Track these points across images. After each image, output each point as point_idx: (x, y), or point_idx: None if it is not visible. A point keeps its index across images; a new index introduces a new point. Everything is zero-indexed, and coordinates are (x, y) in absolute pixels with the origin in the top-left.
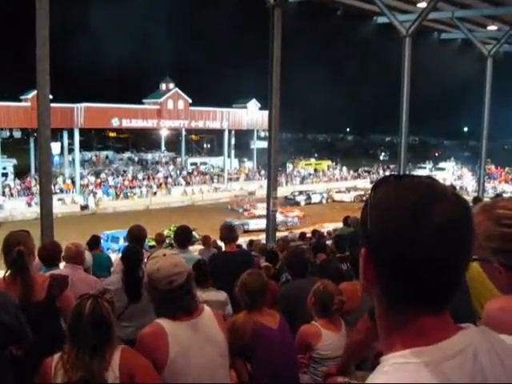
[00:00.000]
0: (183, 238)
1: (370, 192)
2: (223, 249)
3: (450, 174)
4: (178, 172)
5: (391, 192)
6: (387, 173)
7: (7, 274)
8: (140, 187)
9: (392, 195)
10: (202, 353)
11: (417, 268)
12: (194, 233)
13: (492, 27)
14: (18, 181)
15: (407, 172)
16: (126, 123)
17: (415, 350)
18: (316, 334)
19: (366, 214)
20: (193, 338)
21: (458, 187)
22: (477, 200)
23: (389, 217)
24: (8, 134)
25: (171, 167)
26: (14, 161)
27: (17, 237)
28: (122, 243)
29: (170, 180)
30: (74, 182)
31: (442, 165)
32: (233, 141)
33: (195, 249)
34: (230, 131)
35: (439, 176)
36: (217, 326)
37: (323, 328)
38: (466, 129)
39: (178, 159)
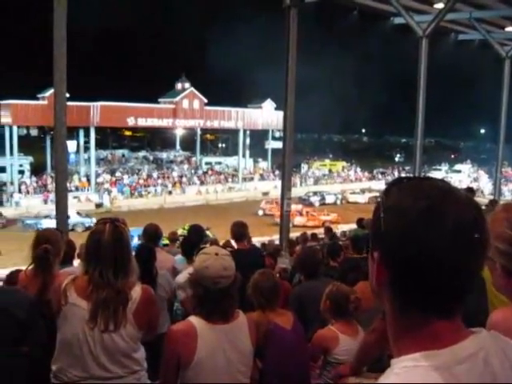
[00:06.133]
0: (196, 237)
1: (381, 194)
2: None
3: (466, 176)
4: (193, 171)
5: (405, 195)
6: (402, 175)
7: (29, 269)
8: (155, 186)
9: (406, 198)
10: (226, 358)
11: (430, 271)
12: (207, 232)
13: (510, 28)
14: (34, 178)
15: (422, 174)
16: (141, 122)
17: (426, 354)
18: (333, 339)
19: (378, 216)
20: (221, 343)
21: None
22: (493, 202)
23: (403, 220)
24: (25, 131)
25: (186, 166)
26: (31, 158)
27: (47, 235)
28: (137, 241)
29: (184, 179)
30: (89, 180)
31: (458, 167)
32: (248, 141)
33: None
34: (244, 131)
35: (455, 178)
36: (247, 335)
37: (340, 332)
38: (482, 131)
39: (193, 158)
